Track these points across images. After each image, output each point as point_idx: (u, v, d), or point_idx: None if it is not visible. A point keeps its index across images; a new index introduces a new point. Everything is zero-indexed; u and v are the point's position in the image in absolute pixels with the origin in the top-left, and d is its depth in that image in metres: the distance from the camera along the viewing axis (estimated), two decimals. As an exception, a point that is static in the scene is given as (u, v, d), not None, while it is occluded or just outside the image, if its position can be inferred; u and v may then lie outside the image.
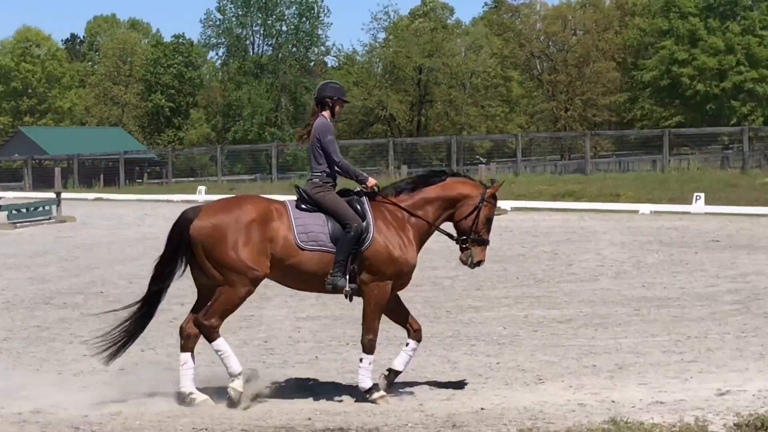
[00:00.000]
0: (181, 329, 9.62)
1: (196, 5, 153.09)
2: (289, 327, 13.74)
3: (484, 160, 58.55)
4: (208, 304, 9.44)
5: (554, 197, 34.07)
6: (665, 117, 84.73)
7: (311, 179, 9.84)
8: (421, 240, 9.92)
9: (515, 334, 12.92)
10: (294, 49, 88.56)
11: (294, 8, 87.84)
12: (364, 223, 9.60)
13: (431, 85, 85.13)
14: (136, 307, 9.65)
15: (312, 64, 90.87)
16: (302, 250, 9.49)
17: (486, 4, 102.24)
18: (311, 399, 9.78)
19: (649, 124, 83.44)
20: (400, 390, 9.96)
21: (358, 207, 9.72)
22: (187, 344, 9.52)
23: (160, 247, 9.87)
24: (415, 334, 9.93)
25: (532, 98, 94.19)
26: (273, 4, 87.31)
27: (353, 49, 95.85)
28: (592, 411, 8.97)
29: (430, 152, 73.43)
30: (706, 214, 28.63)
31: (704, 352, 11.48)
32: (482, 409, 9.22)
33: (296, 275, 9.64)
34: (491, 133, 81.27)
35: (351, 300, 9.83)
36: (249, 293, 9.52)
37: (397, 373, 9.90)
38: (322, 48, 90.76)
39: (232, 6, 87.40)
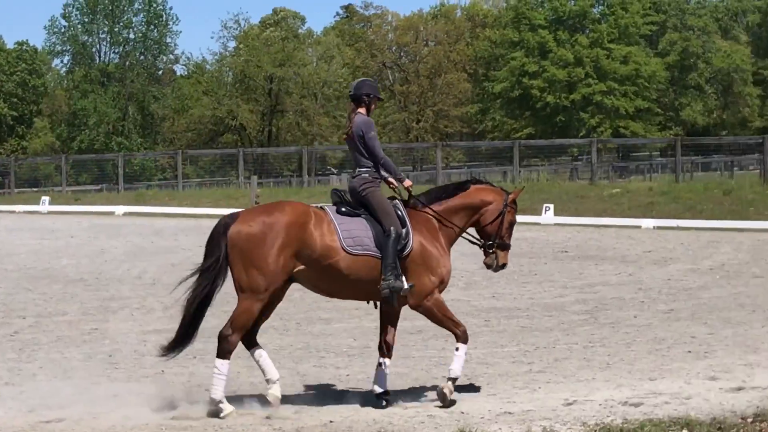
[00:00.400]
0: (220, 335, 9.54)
1: (40, 11, 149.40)
2: (135, 340, 13.45)
3: (335, 171, 58.71)
4: (231, 316, 9.45)
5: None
6: (516, 128, 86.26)
7: (359, 174, 9.94)
8: (450, 247, 10.12)
9: (365, 346, 12.90)
10: (142, 57, 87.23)
11: (141, 16, 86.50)
12: (404, 230, 9.74)
13: (282, 95, 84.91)
14: (184, 316, 9.64)
15: (160, 72, 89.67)
16: (349, 254, 9.56)
17: (338, 14, 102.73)
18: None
19: (499, 136, 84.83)
20: (246, 403, 9.80)
21: (399, 212, 9.86)
22: (222, 350, 9.47)
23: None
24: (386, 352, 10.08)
25: (384, 109, 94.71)
26: (120, 12, 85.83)
27: (203, 57, 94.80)
28: (441, 423, 9.00)
29: (282, 163, 73.28)
30: (555, 224, 29.20)
31: (552, 363, 11.64)
32: (331, 422, 9.17)
33: (339, 280, 9.67)
34: (343, 143, 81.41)
35: (377, 307, 10.05)
36: (264, 302, 9.53)
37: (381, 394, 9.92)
38: (171, 56, 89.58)
39: (77, 13, 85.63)
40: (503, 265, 10.37)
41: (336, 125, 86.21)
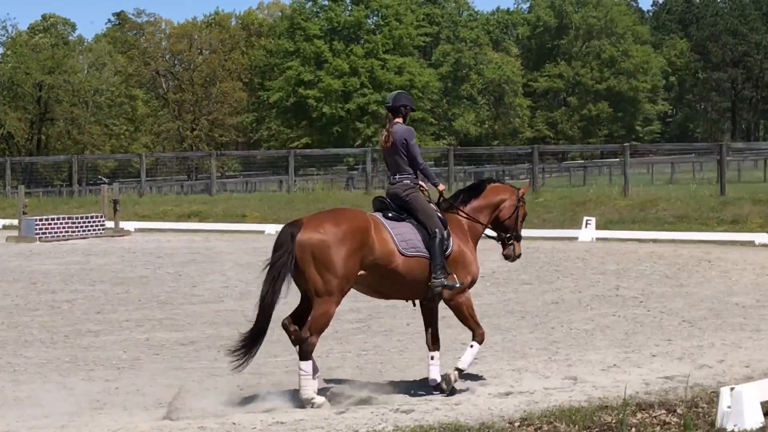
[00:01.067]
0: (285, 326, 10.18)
1: None
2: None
3: (107, 180, 57.42)
4: (309, 320, 9.93)
5: (180, 218, 33.92)
6: (292, 138, 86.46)
7: (401, 181, 10.60)
8: (476, 244, 10.98)
9: (136, 358, 12.65)
10: None
11: None
12: (446, 232, 10.43)
13: (52, 103, 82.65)
14: (253, 325, 10.17)
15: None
16: (404, 256, 10.17)
17: (110, 21, 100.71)
18: None
19: (275, 145, 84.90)
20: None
21: (440, 215, 10.56)
22: (303, 352, 9.90)
23: None
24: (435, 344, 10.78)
25: (158, 117, 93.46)
26: None
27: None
28: (213, 435, 8.89)
29: (51, 172, 71.23)
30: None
31: (326, 371, 11.66)
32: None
33: (396, 281, 10.26)
34: (115, 152, 79.93)
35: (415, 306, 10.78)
36: (338, 304, 10.10)
37: (438, 384, 10.54)
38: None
39: None
40: (519, 255, 11.36)
41: (108, 134, 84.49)
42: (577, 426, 8.75)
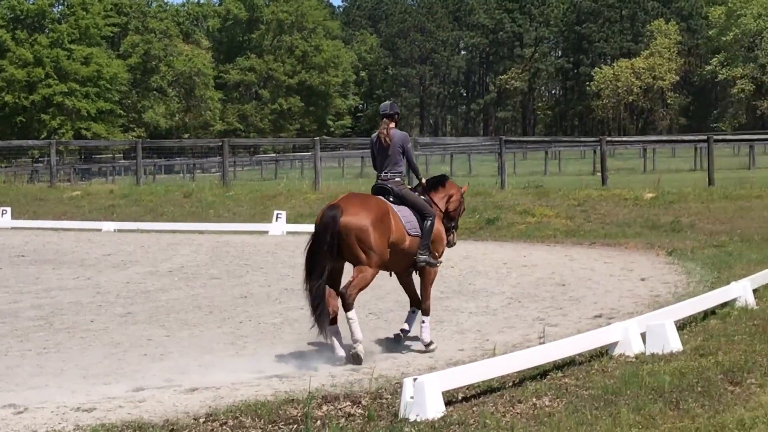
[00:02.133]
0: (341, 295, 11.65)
1: None
2: None
3: None
4: (350, 281, 11.55)
5: None
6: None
7: (393, 177, 12.47)
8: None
9: None
10: None
11: None
12: (434, 216, 12.46)
13: None
14: (311, 303, 11.48)
15: None
16: (410, 236, 12.07)
17: None
18: None
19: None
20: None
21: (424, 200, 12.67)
22: (346, 305, 11.52)
23: None
24: (416, 304, 12.71)
25: None
26: None
27: None
28: None
29: None
30: (12, 228, 28.37)
31: (4, 371, 11.22)
32: None
33: (402, 257, 12.10)
34: None
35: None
36: (377, 274, 11.89)
37: (407, 332, 12.66)
38: None
39: None
40: (455, 243, 13.43)
41: None
42: (262, 420, 8.79)
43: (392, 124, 12.56)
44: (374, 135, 12.66)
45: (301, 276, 11.70)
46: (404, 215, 12.11)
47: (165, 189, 34.48)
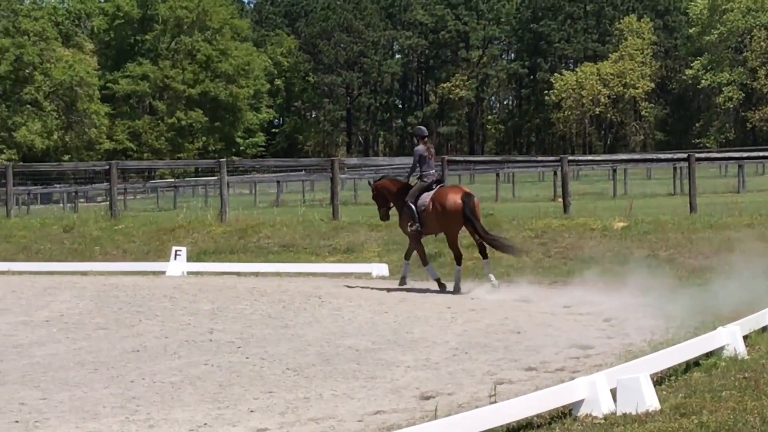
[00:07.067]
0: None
1: None
2: None
3: None
4: (451, 246, 22.47)
5: None
6: None
7: (434, 173, 23.12)
8: None
9: None
10: None
11: None
12: None
13: None
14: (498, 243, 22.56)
15: None
16: None
17: None
18: None
19: None
20: None
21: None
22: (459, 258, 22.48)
23: None
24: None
25: None
26: None
27: None
28: None
29: None
30: None
31: None
32: None
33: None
34: None
35: None
36: None
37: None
38: None
39: None
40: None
41: None
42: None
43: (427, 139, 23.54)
44: (422, 148, 22.69)
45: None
46: None
47: (41, 222, 34.19)
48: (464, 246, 23.37)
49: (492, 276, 21.68)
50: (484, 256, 22.04)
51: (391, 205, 23.27)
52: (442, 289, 22.06)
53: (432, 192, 22.26)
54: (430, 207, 22.05)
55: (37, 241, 31.12)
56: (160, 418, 11.96)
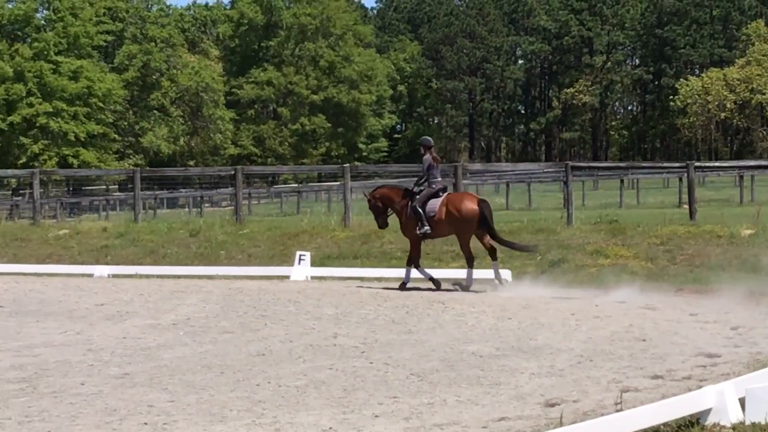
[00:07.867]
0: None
1: None
2: None
3: None
4: (464, 249, 23.84)
5: None
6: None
7: (439, 181, 24.20)
8: None
9: None
10: None
11: None
12: None
13: None
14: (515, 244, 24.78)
15: None
16: None
17: None
18: None
19: None
20: None
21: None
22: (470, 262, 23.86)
23: None
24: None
25: None
26: None
27: None
28: None
29: None
30: (-8, 275, 28.61)
31: (-22, 445, 11.30)
32: None
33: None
34: None
35: None
36: None
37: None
38: None
39: None
40: None
41: None
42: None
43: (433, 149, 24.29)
44: (429, 158, 23.78)
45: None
46: None
47: (168, 226, 34.61)
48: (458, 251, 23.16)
49: (500, 273, 23.88)
50: (494, 258, 23.72)
51: (390, 212, 24.77)
52: (437, 286, 24.02)
53: (441, 198, 23.77)
54: (443, 212, 23.52)
55: (164, 245, 31.52)
56: (286, 422, 12.04)
